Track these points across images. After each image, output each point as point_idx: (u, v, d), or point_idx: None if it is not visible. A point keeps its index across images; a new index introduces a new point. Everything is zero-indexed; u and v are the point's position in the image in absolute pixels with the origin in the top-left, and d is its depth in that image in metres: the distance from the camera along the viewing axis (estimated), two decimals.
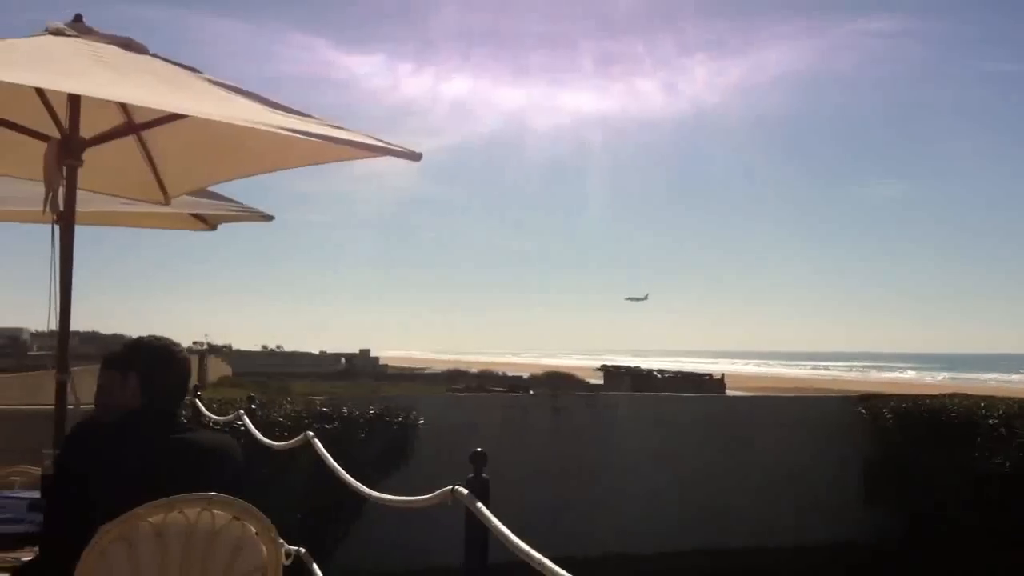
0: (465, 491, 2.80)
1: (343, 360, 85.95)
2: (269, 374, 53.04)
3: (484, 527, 2.68)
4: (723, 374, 42.72)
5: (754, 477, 8.51)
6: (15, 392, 15.00)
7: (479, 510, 2.71)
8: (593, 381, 47.42)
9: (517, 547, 2.39)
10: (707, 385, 37.26)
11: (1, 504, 3.68)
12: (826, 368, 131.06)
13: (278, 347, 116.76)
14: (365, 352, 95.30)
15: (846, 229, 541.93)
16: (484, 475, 2.82)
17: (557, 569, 2.16)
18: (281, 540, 2.83)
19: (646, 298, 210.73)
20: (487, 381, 50.25)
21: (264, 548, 2.75)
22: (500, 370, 74.26)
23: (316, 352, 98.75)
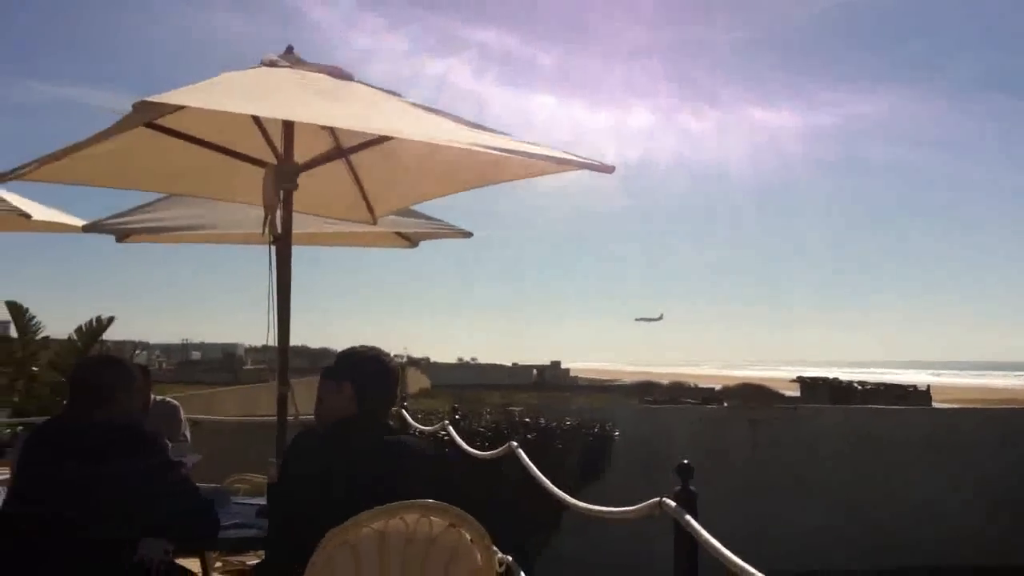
0: (673, 503, 2.78)
1: (535, 372, 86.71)
2: (464, 386, 54.08)
3: (693, 540, 2.66)
4: (928, 385, 40.63)
5: (969, 493, 8.07)
6: (232, 405, 15.86)
7: (688, 523, 2.69)
8: (788, 393, 45.96)
9: (729, 560, 2.36)
10: (912, 397, 35.45)
11: (232, 510, 3.90)
12: None
13: (472, 359, 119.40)
14: (556, 364, 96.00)
15: None
16: (692, 487, 2.80)
17: None
18: (494, 548, 2.89)
19: (660, 318, 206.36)
20: (678, 392, 49.40)
21: (479, 555, 2.81)
22: (691, 381, 73.04)
23: (509, 364, 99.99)
